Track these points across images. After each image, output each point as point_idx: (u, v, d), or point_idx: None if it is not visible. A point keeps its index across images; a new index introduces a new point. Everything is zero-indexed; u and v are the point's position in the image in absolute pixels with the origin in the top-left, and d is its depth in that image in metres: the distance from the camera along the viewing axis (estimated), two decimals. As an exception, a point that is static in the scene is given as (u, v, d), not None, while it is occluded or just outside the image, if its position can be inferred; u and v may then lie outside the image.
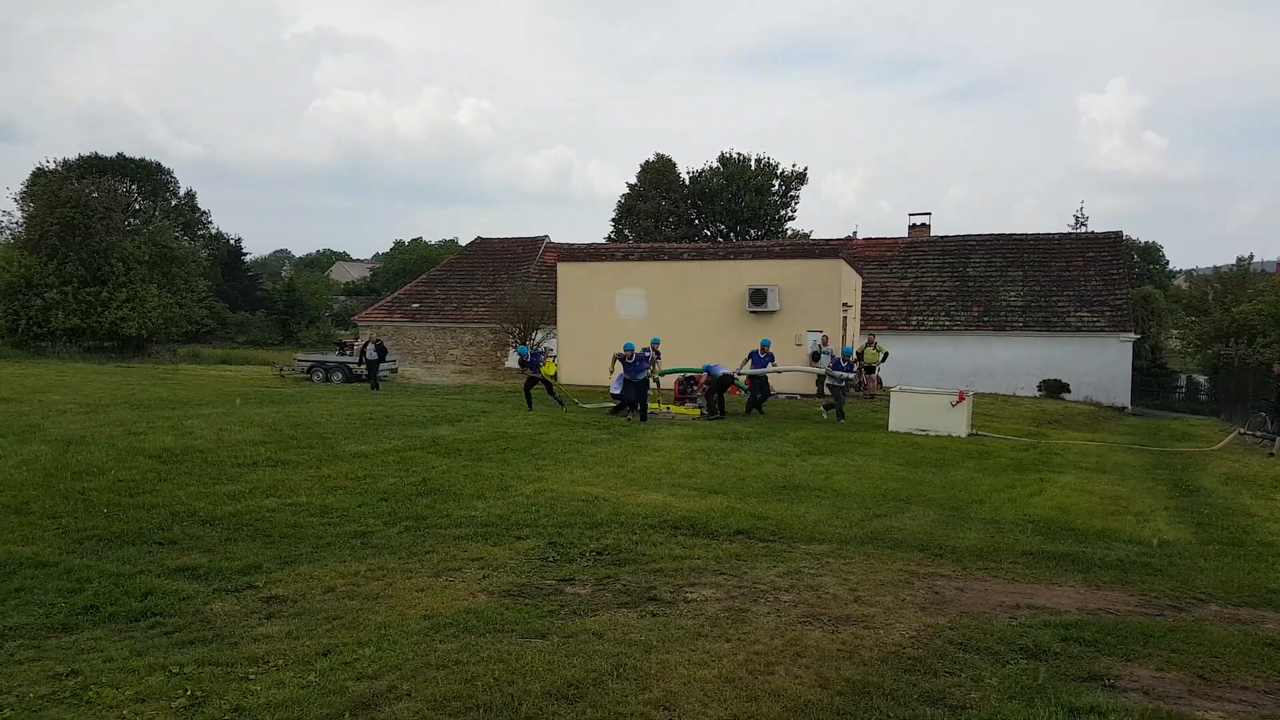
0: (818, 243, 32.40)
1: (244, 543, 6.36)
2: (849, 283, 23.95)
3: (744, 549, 6.53)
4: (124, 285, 34.28)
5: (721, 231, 51.99)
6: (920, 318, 29.82)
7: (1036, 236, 32.00)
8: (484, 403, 18.65)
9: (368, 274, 78.05)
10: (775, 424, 15.48)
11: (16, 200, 37.53)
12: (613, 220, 53.19)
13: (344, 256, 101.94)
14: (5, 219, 35.91)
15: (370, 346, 23.92)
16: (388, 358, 25.73)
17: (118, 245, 34.49)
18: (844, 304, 23.04)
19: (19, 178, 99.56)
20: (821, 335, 21.88)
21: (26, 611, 4.83)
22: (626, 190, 52.86)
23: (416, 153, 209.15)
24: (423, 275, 41.14)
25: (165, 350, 36.62)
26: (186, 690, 3.85)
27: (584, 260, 25.54)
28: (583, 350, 24.16)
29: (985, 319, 29.24)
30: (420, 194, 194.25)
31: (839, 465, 10.70)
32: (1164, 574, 6.44)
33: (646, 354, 15.97)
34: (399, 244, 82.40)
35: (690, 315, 22.78)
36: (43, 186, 36.15)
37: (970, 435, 14.66)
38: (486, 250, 39.26)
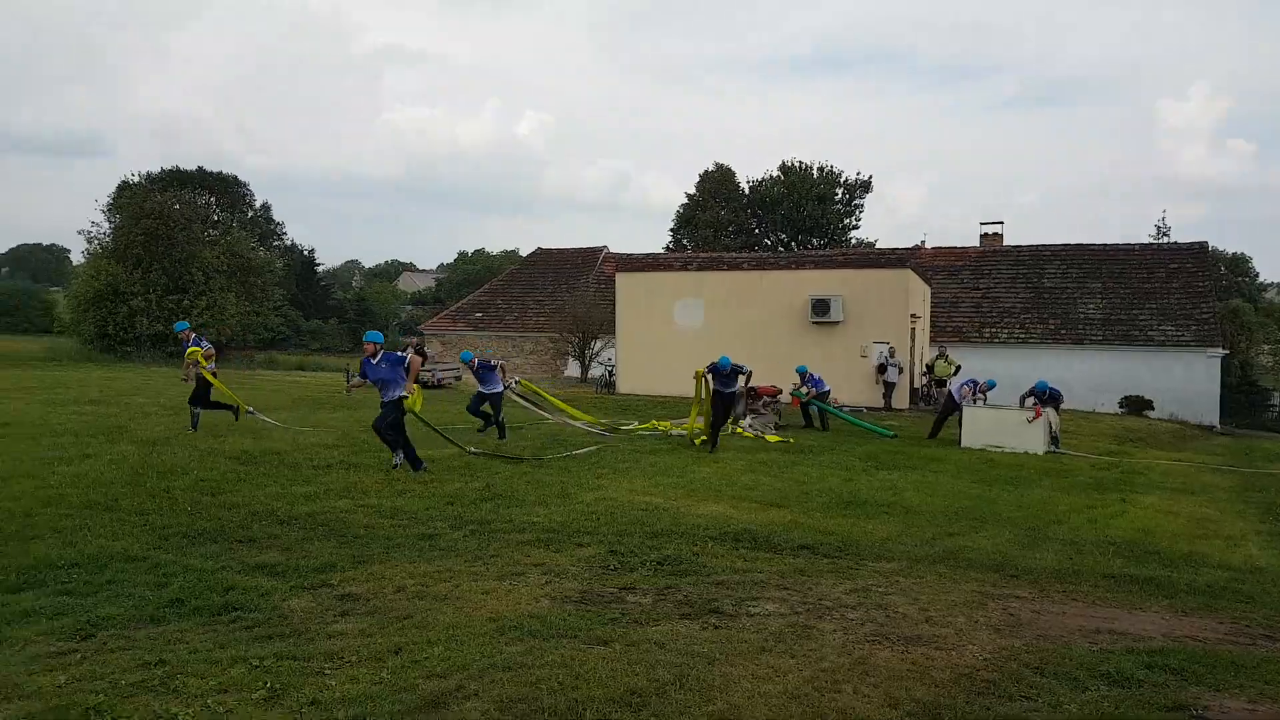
0: (884, 252, 31.95)
1: (319, 542, 6.58)
2: (917, 293, 23.58)
3: (808, 564, 6.49)
4: (204, 293, 35.67)
5: (783, 241, 51.67)
6: (993, 330, 29.16)
7: (1116, 247, 31.04)
8: (543, 411, 18.85)
9: (433, 284, 79.67)
10: (840, 438, 15.32)
11: (104, 211, 39.38)
12: (671, 230, 53.36)
13: (410, 267, 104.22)
14: (94, 229, 37.68)
15: (410, 350, 23.98)
16: (440, 363, 26.20)
17: (198, 255, 35.91)
18: (912, 315, 22.70)
19: (105, 190, 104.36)
20: (889, 346, 21.58)
21: (117, 603, 5.08)
22: (685, 200, 52.99)
23: (478, 164, 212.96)
24: (485, 285, 41.87)
25: (243, 356, 37.92)
26: (266, 683, 4.01)
27: (642, 270, 25.69)
28: (641, 360, 24.27)
29: (1062, 332, 28.44)
30: (482, 205, 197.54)
31: (908, 481, 10.54)
32: (1256, 601, 6.19)
33: (743, 368, 13.45)
34: (462, 255, 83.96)
35: (750, 325, 22.69)
36: (128, 199, 37.90)
37: (1048, 452, 14.28)
38: (546, 260, 39.77)
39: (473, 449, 11.07)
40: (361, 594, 5.41)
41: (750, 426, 15.41)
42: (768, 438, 14.77)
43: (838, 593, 5.74)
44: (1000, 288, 30.58)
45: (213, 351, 13.47)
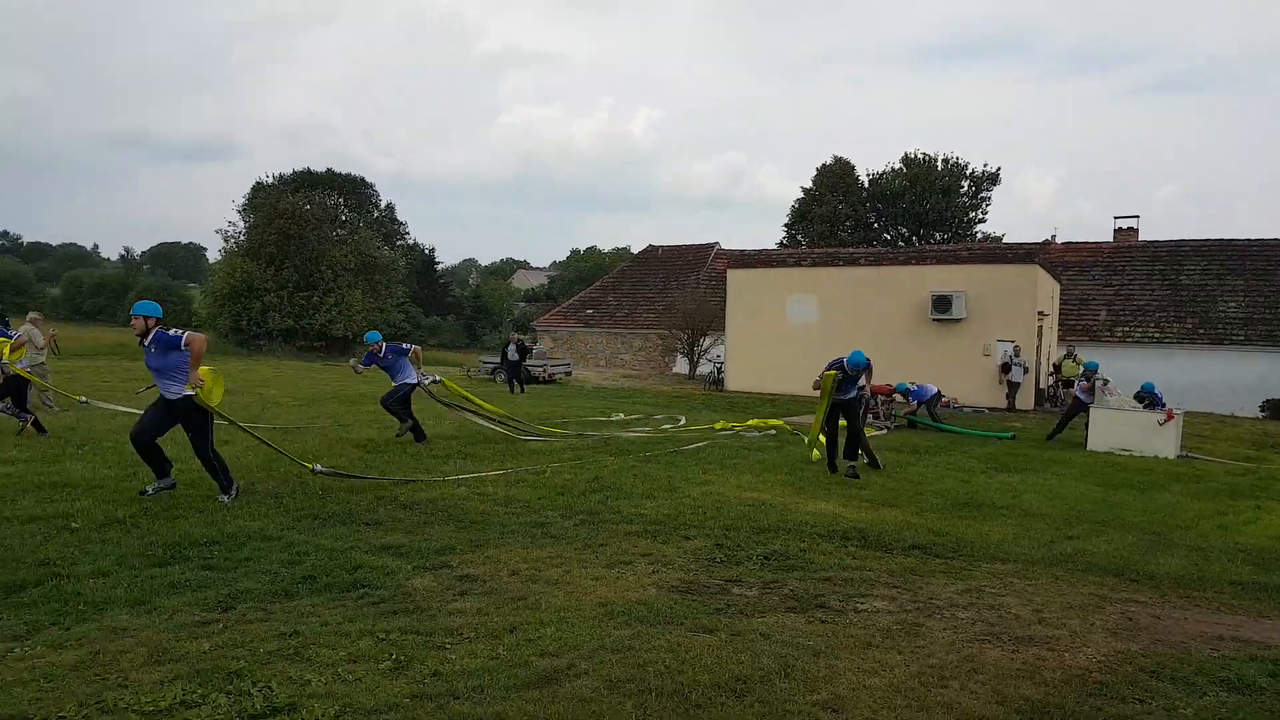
0: (1011, 246, 30.73)
1: (439, 526, 6.95)
2: (1045, 290, 22.65)
3: (919, 564, 6.43)
4: (332, 291, 37.69)
5: (904, 235, 50.34)
6: (1126, 329, 27.68)
7: (1262, 242, 28.92)
8: (652, 406, 19.11)
9: (546, 281, 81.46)
10: (959, 439, 14.91)
11: (239, 212, 42.12)
12: (785, 225, 52.75)
13: (524, 264, 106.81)
14: (230, 229, 40.35)
15: (510, 347, 23.75)
16: (552, 359, 26.79)
17: (327, 254, 37.97)
18: (1039, 312, 21.82)
19: (239, 191, 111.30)
20: (1013, 345, 20.82)
21: (254, 578, 5.53)
22: (800, 194, 52.29)
23: (592, 162, 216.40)
24: (596, 282, 42.58)
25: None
26: (391, 654, 4.32)
27: (754, 267, 25.57)
28: (750, 358, 24.21)
29: (1200, 331, 26.74)
30: (595, 203, 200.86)
31: (1029, 484, 10.22)
32: None
33: (865, 362, 10.76)
34: (574, 252, 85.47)
35: (867, 323, 22.30)
36: (262, 199, 40.38)
37: (1180, 457, 13.53)
38: (657, 258, 40.09)
39: (317, 467, 8.50)
40: (478, 575, 5.71)
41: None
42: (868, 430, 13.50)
43: (949, 592, 5.68)
44: (1134, 285, 29.00)
45: (24, 341, 12.25)
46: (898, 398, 17.09)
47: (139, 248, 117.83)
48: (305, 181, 51.19)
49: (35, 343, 14.23)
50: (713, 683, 4.12)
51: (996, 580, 6.02)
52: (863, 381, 11.03)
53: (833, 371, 10.54)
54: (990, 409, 20.61)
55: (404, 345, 11.90)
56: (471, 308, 58.58)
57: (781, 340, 23.45)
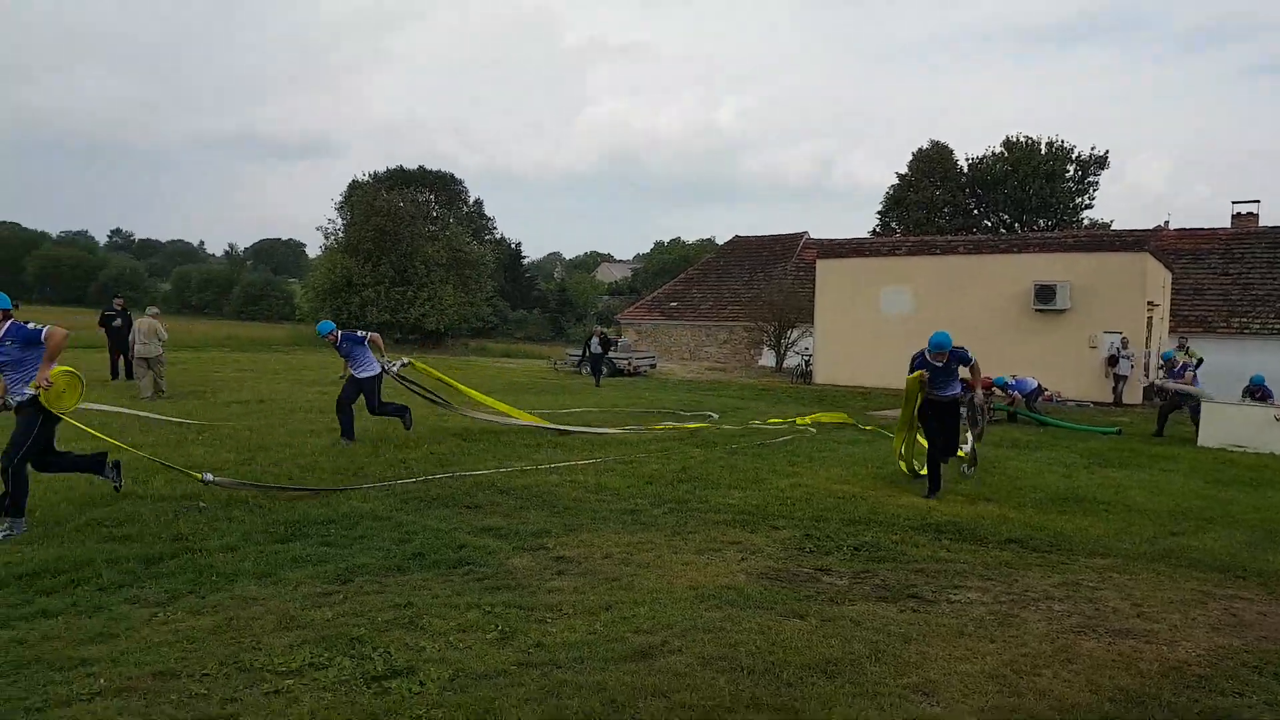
0: (1119, 233, 29.56)
1: (534, 511, 7.29)
2: (1155, 278, 21.77)
3: (1015, 557, 6.42)
4: (425, 285, 38.99)
5: (1005, 222, 48.90)
6: (1243, 320, 26.31)
7: (1398, 226, 27.03)
8: (738, 399, 19.20)
9: (629, 274, 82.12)
10: (1062, 434, 14.56)
11: (337, 209, 43.92)
12: (878, 213, 51.88)
13: (608, 257, 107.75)
14: (329, 225, 42.11)
15: (594, 340, 23.84)
16: (636, 352, 27.06)
17: (421, 250, 39.29)
18: (1149, 302, 21.00)
19: (336, 188, 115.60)
20: (1121, 337, 20.12)
21: (369, 554, 5.95)
22: (895, 181, 51.33)
23: (677, 154, 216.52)
24: (680, 274, 42.74)
25: (458, 343, 41.07)
26: (497, 626, 4.64)
27: (845, 257, 25.30)
28: (840, 350, 24.00)
29: (1327, 322, 25.22)
30: (680, 194, 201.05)
31: (1133, 480, 9.96)
32: None
33: (966, 354, 8.79)
34: (659, 244, 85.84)
35: (964, 314, 21.84)
36: (359, 197, 42.00)
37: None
38: (743, 248, 39.95)
39: (208, 476, 7.36)
40: (574, 557, 6.01)
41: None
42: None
43: (1045, 585, 5.69)
44: (1254, 273, 27.51)
45: None
46: (996, 392, 16.76)
47: (242, 244, 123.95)
48: (399, 179, 52.91)
49: (160, 335, 15.50)
50: (803, 664, 4.29)
51: (1095, 574, 5.98)
52: (964, 374, 9.01)
53: (918, 373, 8.75)
54: (1096, 403, 19.96)
55: (359, 333, 11.08)
56: (556, 301, 59.65)
57: (874, 332, 23.17)
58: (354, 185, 48.40)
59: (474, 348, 40.35)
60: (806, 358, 26.92)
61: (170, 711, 3.60)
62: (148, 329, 15.46)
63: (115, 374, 18.08)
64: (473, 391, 13.07)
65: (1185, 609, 5.22)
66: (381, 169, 55.59)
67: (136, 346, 15.45)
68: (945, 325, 21.38)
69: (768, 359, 32.29)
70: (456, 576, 5.52)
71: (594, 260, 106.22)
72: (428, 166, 57.66)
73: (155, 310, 16.85)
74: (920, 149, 50.97)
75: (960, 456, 9.59)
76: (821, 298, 25.03)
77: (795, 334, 30.18)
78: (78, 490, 7.50)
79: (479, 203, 61.68)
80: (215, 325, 49.13)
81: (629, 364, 27.07)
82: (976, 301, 21.98)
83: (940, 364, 8.69)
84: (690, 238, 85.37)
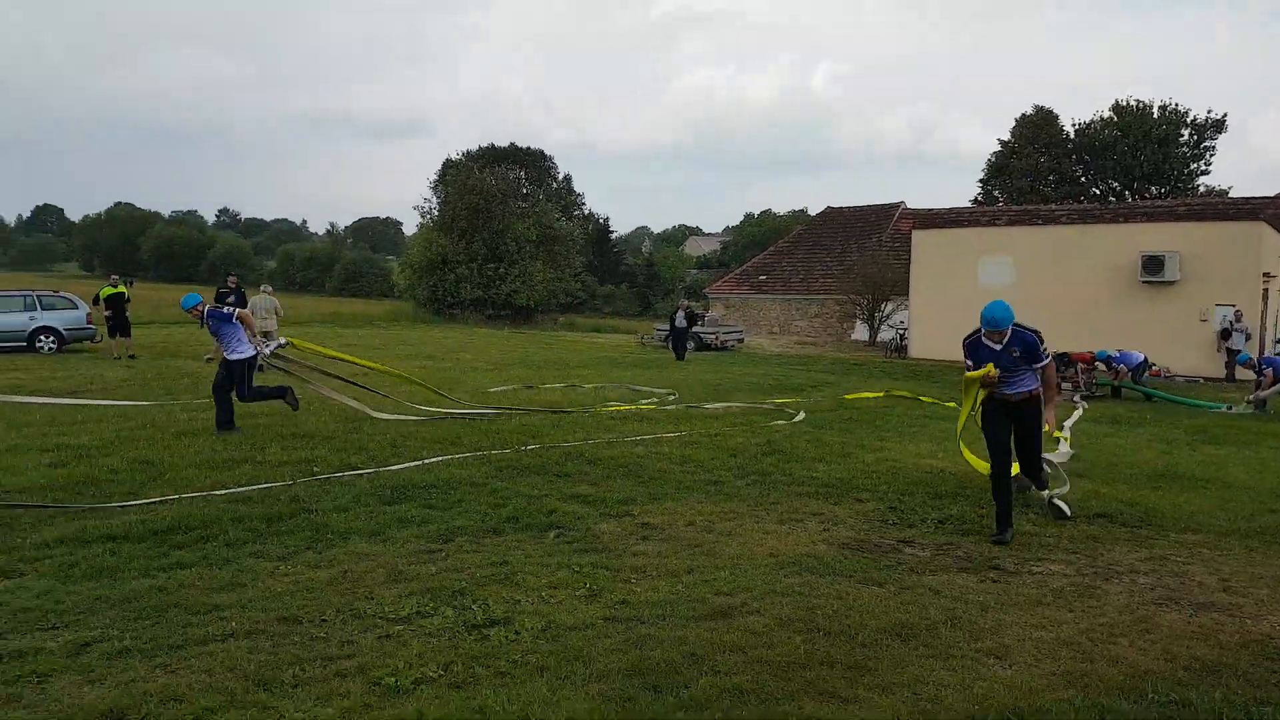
0: (1235, 201, 27.99)
1: (620, 480, 7.62)
2: (1273, 248, 20.66)
3: (1102, 531, 6.41)
4: (516, 262, 39.91)
5: (1114, 190, 46.81)
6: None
7: None
8: (827, 374, 19.18)
9: (718, 247, 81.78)
10: (1167, 410, 14.11)
11: (432, 187, 45.22)
12: (980, 181, 50.35)
13: (697, 231, 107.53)
14: (424, 204, 43.46)
15: (679, 313, 23.75)
16: (724, 326, 27.11)
17: (512, 227, 40.19)
18: (1265, 274, 19.97)
19: (431, 167, 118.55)
20: (1234, 310, 19.23)
21: (467, 517, 6.38)
22: (998, 147, 49.64)
23: (768, 123, 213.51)
24: (770, 247, 42.45)
25: (547, 318, 41.93)
26: (586, 584, 4.98)
27: (942, 227, 24.78)
28: (936, 324, 23.58)
29: None
30: (771, 165, 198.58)
31: (1237, 457, 9.67)
32: None
33: (1035, 338, 6.44)
34: (748, 216, 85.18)
35: (1068, 285, 21.22)
36: (453, 176, 43.15)
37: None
38: (836, 220, 39.42)
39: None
40: (658, 524, 6.30)
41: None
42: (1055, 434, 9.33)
43: (1131, 559, 5.69)
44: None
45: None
46: (1099, 366, 16.29)
47: (342, 223, 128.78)
48: (490, 157, 54.00)
49: (278, 311, 16.82)
50: (879, 627, 4.48)
51: (1184, 550, 5.94)
52: (1045, 354, 6.42)
53: (986, 369, 6.34)
54: (1206, 379, 19.16)
55: (226, 309, 10.02)
56: (644, 276, 60.02)
57: (972, 305, 22.46)
58: (448, 164, 49.79)
59: (563, 323, 41.12)
60: (901, 332, 26.55)
61: (294, 652, 4.04)
62: (267, 305, 16.62)
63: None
64: (371, 363, 12.25)
65: (1275, 585, 5.16)
66: (474, 147, 56.86)
67: (254, 321, 16.57)
68: (1046, 298, 21.04)
69: (860, 333, 31.92)
70: (547, 540, 5.88)
71: (682, 234, 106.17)
72: (518, 143, 58.67)
73: (268, 288, 18.03)
74: (1024, 114, 49.15)
75: (1048, 486, 7.14)
76: (917, 269, 24.65)
77: (889, 307, 29.76)
78: (204, 456, 8.20)
79: (568, 179, 62.47)
80: (318, 302, 51.35)
81: (716, 338, 27.22)
82: (1080, 273, 21.31)
83: (998, 346, 6.30)
84: (781, 209, 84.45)
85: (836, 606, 4.75)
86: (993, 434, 6.48)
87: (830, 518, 6.72)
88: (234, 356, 9.64)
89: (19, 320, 19.43)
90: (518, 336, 31.51)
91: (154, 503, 6.55)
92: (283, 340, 11.14)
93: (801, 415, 11.75)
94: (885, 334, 29.32)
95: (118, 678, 3.72)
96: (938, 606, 4.81)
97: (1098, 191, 47.34)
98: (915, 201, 38.82)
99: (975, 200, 48.93)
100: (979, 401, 6.63)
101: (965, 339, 6.69)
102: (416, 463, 8.07)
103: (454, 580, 5.01)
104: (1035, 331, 6.44)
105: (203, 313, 9.82)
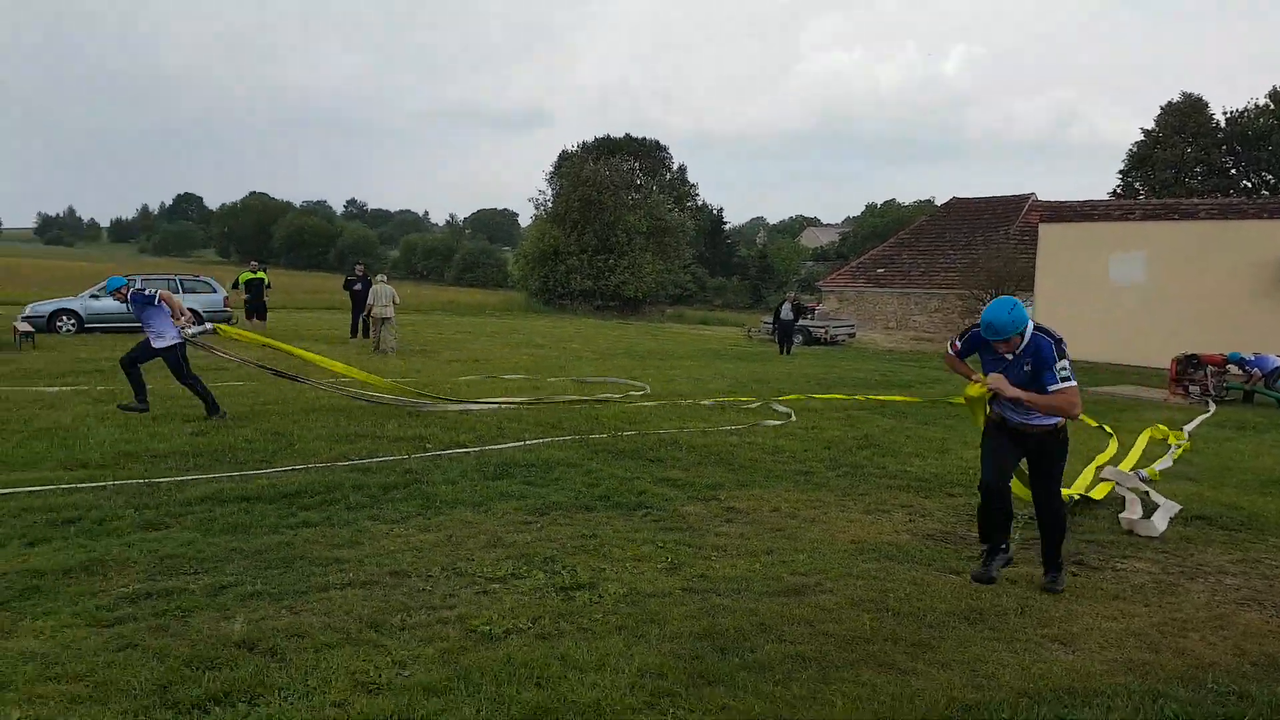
0: None
1: (711, 467, 7.96)
2: None
3: (1198, 534, 6.35)
4: (625, 254, 40.61)
5: (1267, 184, 43.85)
6: None
7: None
8: (938, 370, 18.91)
9: (836, 239, 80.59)
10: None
11: (547, 179, 46.41)
12: (1119, 173, 48.04)
13: (814, 222, 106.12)
14: (539, 196, 44.68)
15: (786, 305, 23.70)
16: (835, 319, 26.87)
17: (623, 219, 40.91)
18: None
19: (548, 159, 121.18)
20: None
21: (562, 493, 6.86)
22: (1140, 137, 47.23)
23: (895, 110, 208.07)
24: (890, 238, 41.68)
25: (655, 310, 42.48)
26: (668, 558, 5.36)
27: (1071, 220, 23.91)
28: (1062, 321, 22.70)
29: None
30: (896, 153, 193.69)
31: (1373, 468, 9.20)
32: None
33: (1051, 345, 4.82)
34: (870, 207, 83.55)
35: (1204, 284, 20.21)
36: (567, 168, 44.18)
37: None
38: (962, 211, 38.39)
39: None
40: (743, 509, 6.62)
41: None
42: (1171, 440, 9.87)
43: (1221, 561, 5.66)
44: None
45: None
46: (1231, 369, 15.56)
47: (462, 214, 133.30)
48: (605, 148, 54.84)
49: (395, 299, 17.98)
50: (948, 610, 4.68)
51: (1283, 555, 5.85)
52: (1062, 376, 4.72)
53: (977, 385, 5.05)
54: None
55: (148, 292, 9.59)
56: (757, 268, 59.82)
57: (1102, 303, 21.88)
58: (563, 156, 50.89)
59: (671, 314, 41.60)
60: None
61: (402, 600, 4.57)
62: (386, 294, 17.80)
63: (354, 332, 20.59)
64: (304, 352, 11.84)
65: (1373, 594, 5.07)
66: (590, 138, 57.81)
67: (375, 308, 17.79)
68: (1182, 298, 20.20)
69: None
70: (635, 518, 6.29)
71: (799, 225, 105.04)
72: (633, 134, 59.31)
73: (384, 276, 19.23)
74: (1170, 102, 46.56)
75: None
76: (1043, 264, 23.88)
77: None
78: (329, 430, 8.99)
79: (682, 169, 62.69)
80: (437, 290, 53.52)
81: (825, 332, 27.10)
82: (1219, 271, 20.25)
83: (1008, 356, 4.83)
84: (906, 199, 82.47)
85: (909, 590, 4.97)
86: (993, 453, 5.00)
87: (918, 509, 6.88)
88: (159, 345, 9.38)
89: (165, 303, 21.20)
90: (624, 327, 32.15)
91: (285, 470, 7.30)
92: (208, 326, 11.17)
93: (793, 416, 11.10)
94: (1008, 332, 28.49)
95: (249, 615, 4.32)
96: (1011, 595, 4.97)
97: (1249, 185, 44.46)
98: (1048, 194, 37.49)
99: (1114, 193, 46.74)
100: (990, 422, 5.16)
101: (964, 333, 5.25)
102: (519, 443, 8.64)
103: (546, 548, 5.48)
104: (1056, 339, 4.78)
105: (126, 295, 9.69)
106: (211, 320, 21.50)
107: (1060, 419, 4.95)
